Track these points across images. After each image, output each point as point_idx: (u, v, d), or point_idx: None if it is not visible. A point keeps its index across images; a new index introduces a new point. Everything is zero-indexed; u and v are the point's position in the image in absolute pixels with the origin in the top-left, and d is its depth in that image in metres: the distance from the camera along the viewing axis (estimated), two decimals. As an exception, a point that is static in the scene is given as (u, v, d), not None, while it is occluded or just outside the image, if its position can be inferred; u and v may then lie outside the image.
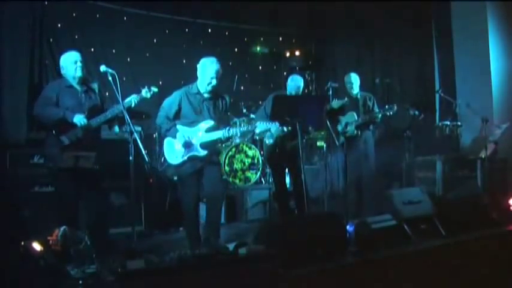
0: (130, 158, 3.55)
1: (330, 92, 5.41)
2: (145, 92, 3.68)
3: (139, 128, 5.05)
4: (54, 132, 3.50)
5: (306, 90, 5.18)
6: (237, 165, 5.74)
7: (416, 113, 5.41)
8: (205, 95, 3.75)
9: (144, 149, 3.38)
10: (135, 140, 3.48)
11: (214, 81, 3.68)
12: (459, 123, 5.77)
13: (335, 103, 5.09)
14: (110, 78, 3.47)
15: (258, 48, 7.39)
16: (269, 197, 5.51)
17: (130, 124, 3.48)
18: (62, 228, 2.54)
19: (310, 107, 4.18)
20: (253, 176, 5.82)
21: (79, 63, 3.61)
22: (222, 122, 3.79)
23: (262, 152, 5.82)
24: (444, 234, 3.29)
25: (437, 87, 6.56)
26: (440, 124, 5.95)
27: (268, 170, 5.80)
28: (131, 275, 2.17)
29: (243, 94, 6.76)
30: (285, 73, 6.78)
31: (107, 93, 4.53)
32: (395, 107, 4.92)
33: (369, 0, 6.58)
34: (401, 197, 3.43)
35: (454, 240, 3.22)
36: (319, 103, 4.47)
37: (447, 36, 6.45)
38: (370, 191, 5.03)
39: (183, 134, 3.67)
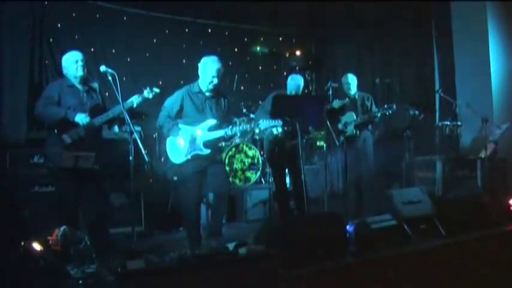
0: (130, 158, 3.55)
1: (330, 92, 5.41)
2: (147, 93, 3.69)
3: (139, 128, 5.05)
4: (56, 131, 3.51)
5: (306, 90, 5.18)
6: (237, 165, 5.75)
7: (416, 113, 5.41)
8: (207, 94, 3.75)
9: (144, 149, 3.38)
10: (135, 140, 3.49)
11: (215, 80, 3.69)
12: (459, 123, 5.76)
13: (336, 103, 5.10)
14: (110, 78, 3.48)
15: (258, 48, 7.38)
16: (269, 197, 5.51)
17: (130, 124, 3.48)
18: (61, 228, 2.55)
19: (310, 107, 4.18)
20: (253, 176, 5.82)
21: (80, 63, 3.62)
22: (224, 120, 3.80)
23: (262, 152, 5.82)
24: (444, 234, 3.29)
25: (437, 87, 6.56)
26: (440, 124, 5.95)
27: (268, 170, 5.81)
28: (131, 275, 2.16)
29: (243, 94, 6.77)
30: (285, 73, 6.78)
31: (107, 93, 4.53)
32: (394, 107, 4.93)
33: (369, 0, 6.58)
34: (401, 197, 3.42)
35: (454, 240, 3.22)
36: (319, 103, 4.47)
37: (447, 36, 6.45)
38: (369, 190, 5.04)
39: (185, 133, 3.67)
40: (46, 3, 5.59)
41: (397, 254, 2.95)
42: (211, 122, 3.69)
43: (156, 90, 3.71)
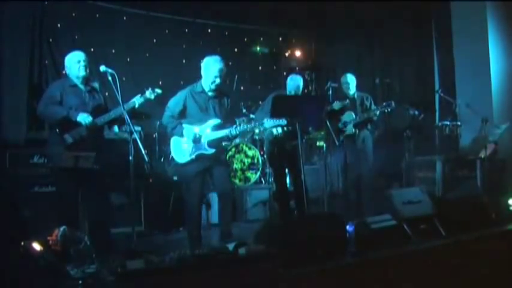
0: (130, 158, 3.55)
1: (330, 92, 5.42)
2: (149, 93, 3.70)
3: (139, 128, 5.05)
4: (57, 130, 3.51)
5: (306, 90, 5.18)
6: (237, 165, 5.75)
7: (416, 113, 5.42)
8: (210, 94, 3.77)
9: (144, 149, 3.39)
10: (134, 140, 3.49)
11: (218, 80, 3.69)
12: (459, 123, 5.77)
13: (336, 104, 5.10)
14: (110, 78, 3.48)
15: (258, 48, 7.39)
16: (269, 197, 5.51)
17: (130, 124, 3.48)
18: (61, 228, 2.54)
19: (310, 107, 4.18)
20: (253, 176, 5.82)
21: (83, 63, 3.63)
22: (228, 120, 3.82)
23: (262, 152, 5.83)
24: (444, 234, 3.29)
25: (437, 87, 6.56)
26: (440, 124, 5.96)
27: (268, 170, 5.81)
28: (131, 275, 2.16)
29: (243, 94, 6.77)
30: (284, 73, 6.78)
31: (107, 93, 4.54)
32: (393, 104, 4.94)
33: (369, 0, 6.58)
34: (401, 197, 3.42)
35: (454, 240, 3.22)
36: (319, 103, 4.47)
37: (447, 37, 6.45)
38: (369, 190, 5.04)
39: (189, 132, 3.68)
40: (46, 3, 5.59)
41: (397, 254, 2.95)
42: (215, 121, 3.71)
43: (158, 91, 3.73)
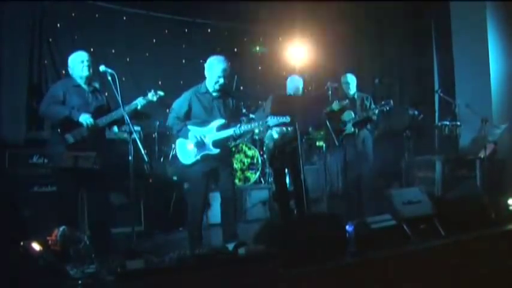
0: (130, 158, 3.55)
1: (330, 92, 5.42)
2: (151, 95, 3.71)
3: (138, 128, 5.05)
4: (59, 130, 3.51)
5: (306, 91, 5.18)
6: (236, 165, 5.74)
7: (416, 112, 5.42)
8: (214, 94, 3.78)
9: (144, 149, 3.39)
10: (134, 140, 3.49)
11: (221, 80, 3.71)
12: (458, 123, 5.77)
13: (335, 105, 5.10)
14: (109, 78, 3.48)
15: (258, 48, 7.38)
16: (269, 197, 5.51)
17: (130, 124, 3.49)
18: (61, 228, 2.54)
19: (310, 107, 4.19)
20: (253, 176, 5.82)
21: (86, 63, 3.64)
22: (232, 119, 3.83)
23: (261, 152, 5.83)
24: (443, 234, 3.29)
25: (436, 87, 6.56)
26: (439, 124, 5.95)
27: (267, 170, 5.81)
28: (131, 275, 2.16)
29: (243, 94, 6.76)
30: (284, 73, 6.78)
31: (106, 93, 4.54)
32: (392, 102, 4.95)
33: (370, 0, 6.58)
34: (401, 197, 3.42)
35: (454, 240, 3.22)
36: (318, 103, 4.48)
37: (447, 37, 6.45)
38: (369, 190, 5.05)
39: (194, 133, 3.69)
40: (46, 3, 5.59)
41: (397, 254, 2.95)
42: (220, 121, 3.72)
43: (161, 93, 3.75)
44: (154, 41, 6.48)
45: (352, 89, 5.24)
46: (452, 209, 3.53)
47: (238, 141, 5.75)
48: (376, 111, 5.04)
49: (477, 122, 5.18)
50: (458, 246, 3.18)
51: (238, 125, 3.71)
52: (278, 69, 7.37)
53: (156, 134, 5.54)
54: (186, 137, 3.71)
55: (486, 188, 4.79)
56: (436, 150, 5.86)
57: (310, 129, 4.57)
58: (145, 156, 3.39)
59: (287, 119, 3.70)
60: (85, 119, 3.50)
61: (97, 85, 3.81)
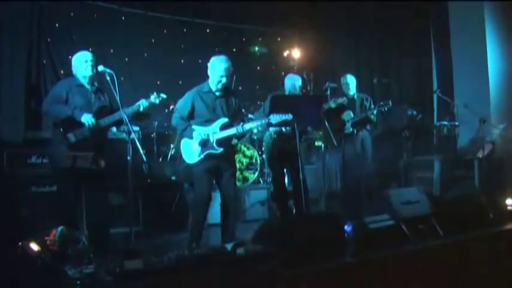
0: (128, 157, 3.55)
1: (328, 92, 5.43)
2: (154, 98, 3.72)
3: (137, 128, 5.04)
4: (61, 129, 3.51)
5: (304, 90, 5.18)
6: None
7: (414, 113, 5.45)
8: (217, 93, 3.80)
9: (142, 149, 3.38)
10: (133, 140, 3.49)
11: (224, 79, 3.72)
12: (457, 123, 5.78)
13: (332, 102, 5.11)
14: (108, 78, 3.48)
15: (257, 48, 7.38)
16: (267, 197, 5.51)
17: (129, 124, 3.48)
18: (59, 228, 2.53)
19: (309, 107, 4.18)
20: (252, 176, 5.82)
21: (90, 63, 3.64)
22: (235, 118, 3.84)
23: (260, 152, 5.83)
24: (442, 234, 3.29)
25: (435, 87, 6.58)
26: (438, 124, 5.98)
27: (266, 170, 5.80)
28: (129, 275, 2.16)
29: (241, 94, 6.76)
30: (283, 73, 6.79)
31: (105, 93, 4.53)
32: (390, 103, 4.96)
33: (370, 0, 6.59)
34: (399, 197, 3.42)
35: (452, 240, 3.22)
36: (317, 103, 4.47)
37: (445, 37, 6.47)
38: (367, 190, 5.05)
39: (198, 133, 3.71)
40: (44, 3, 5.58)
41: (395, 254, 2.95)
42: (223, 120, 3.74)
43: (163, 95, 3.77)
44: (153, 41, 6.48)
45: (352, 90, 5.26)
46: (451, 208, 3.54)
47: (241, 140, 5.75)
48: (375, 112, 5.06)
49: (475, 122, 5.20)
50: (456, 246, 3.18)
51: (241, 124, 3.72)
52: (277, 69, 7.38)
53: (154, 134, 5.54)
54: (190, 136, 3.73)
55: (484, 188, 4.81)
56: (434, 150, 5.87)
57: (308, 128, 4.56)
58: (144, 156, 3.38)
59: (289, 116, 3.70)
60: (87, 119, 3.51)
61: (96, 85, 3.80)
